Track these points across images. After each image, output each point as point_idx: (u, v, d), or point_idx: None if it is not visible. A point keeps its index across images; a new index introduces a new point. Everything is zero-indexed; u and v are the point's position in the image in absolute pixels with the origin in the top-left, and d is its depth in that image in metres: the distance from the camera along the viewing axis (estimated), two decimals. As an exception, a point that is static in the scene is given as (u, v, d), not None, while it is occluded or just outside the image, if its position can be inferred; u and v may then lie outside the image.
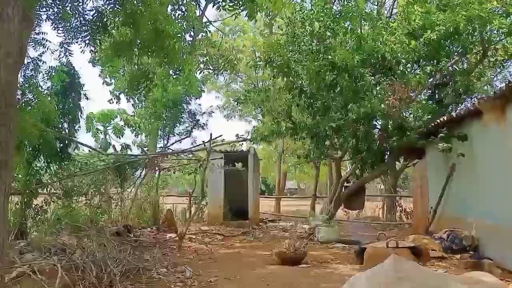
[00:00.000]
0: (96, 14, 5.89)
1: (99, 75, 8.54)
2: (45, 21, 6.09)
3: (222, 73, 13.88)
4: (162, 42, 5.93)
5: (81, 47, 6.34)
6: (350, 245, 8.22)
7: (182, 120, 12.78)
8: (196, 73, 12.10)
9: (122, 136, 13.64)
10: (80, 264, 4.75)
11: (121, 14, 5.81)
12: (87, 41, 6.16)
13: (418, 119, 8.97)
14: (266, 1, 6.25)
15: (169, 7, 6.31)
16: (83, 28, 6.01)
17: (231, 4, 5.77)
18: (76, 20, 5.98)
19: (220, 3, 5.90)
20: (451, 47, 9.46)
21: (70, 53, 6.57)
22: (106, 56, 6.74)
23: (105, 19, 5.86)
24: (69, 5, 5.86)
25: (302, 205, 19.53)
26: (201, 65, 12.56)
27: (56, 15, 5.88)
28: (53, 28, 6.05)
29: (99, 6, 5.91)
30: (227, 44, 16.12)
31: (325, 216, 9.80)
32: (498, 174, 6.26)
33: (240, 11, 5.81)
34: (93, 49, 6.49)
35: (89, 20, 5.95)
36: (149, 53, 6.58)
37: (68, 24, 6.00)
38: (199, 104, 13.29)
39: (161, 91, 10.83)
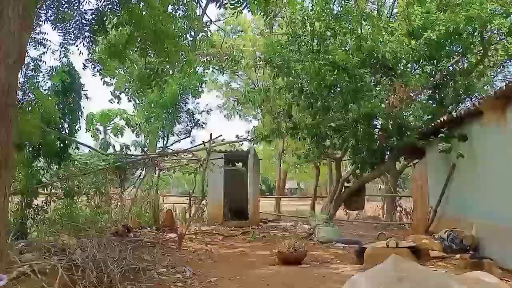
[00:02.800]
0: (96, 14, 5.88)
1: (93, 75, 8.50)
2: (45, 22, 6.09)
3: (224, 72, 13.92)
4: (162, 42, 5.93)
5: (78, 49, 6.35)
6: (350, 245, 8.22)
7: (181, 119, 12.79)
8: (195, 73, 12.11)
9: (122, 136, 13.66)
10: (80, 264, 4.75)
11: (121, 14, 5.81)
12: (87, 41, 6.16)
13: (418, 119, 8.98)
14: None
15: (170, 7, 6.31)
16: (84, 28, 6.01)
17: (232, 1, 5.76)
18: (76, 21, 5.98)
19: (221, 1, 5.90)
20: (451, 47, 9.47)
21: (67, 54, 6.57)
22: (100, 58, 6.74)
23: (105, 19, 5.85)
24: (69, 5, 5.86)
25: (302, 205, 19.53)
26: (202, 65, 12.60)
27: (56, 15, 5.87)
28: (53, 28, 6.05)
29: (98, 7, 5.90)
30: (227, 44, 16.14)
31: (325, 216, 9.80)
32: (498, 174, 6.26)
33: (242, 8, 5.78)
34: (93, 49, 6.48)
35: (90, 20, 5.95)
36: (149, 53, 6.57)
37: (69, 24, 6.00)
38: (197, 103, 13.36)
39: (157, 92, 10.82)
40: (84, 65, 6.88)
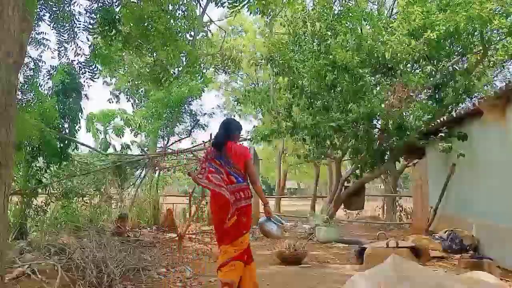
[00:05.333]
0: (104, 13, 5.87)
1: (81, 75, 8.55)
2: (43, 22, 6.09)
3: (225, 72, 13.99)
4: (161, 42, 5.92)
5: (74, 50, 6.36)
6: (350, 245, 8.22)
7: (183, 120, 12.80)
8: (199, 73, 12.12)
9: (122, 136, 13.67)
10: (80, 264, 4.75)
11: (124, 13, 5.80)
12: (96, 37, 6.16)
13: (418, 119, 8.97)
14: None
15: (170, 7, 6.30)
16: (90, 26, 6.01)
17: (230, 1, 5.76)
18: (75, 21, 5.99)
19: (220, 0, 5.89)
20: (451, 47, 9.46)
21: (66, 54, 6.58)
22: (88, 60, 6.75)
23: (113, 16, 5.83)
24: (68, 4, 5.86)
25: (302, 205, 19.52)
26: (202, 65, 12.64)
27: (54, 14, 5.87)
28: (52, 28, 6.06)
29: (105, 6, 5.90)
30: (228, 44, 16.15)
31: (325, 216, 9.79)
32: (498, 174, 6.26)
33: (240, 8, 5.78)
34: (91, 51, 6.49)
35: (97, 18, 5.94)
36: (151, 53, 6.58)
37: (68, 24, 6.00)
38: (201, 105, 13.53)
39: (163, 91, 10.84)
40: (72, 62, 6.88)
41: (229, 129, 4.22)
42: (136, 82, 13.35)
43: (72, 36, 6.11)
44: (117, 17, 5.83)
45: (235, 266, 3.99)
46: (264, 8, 5.41)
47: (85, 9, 5.98)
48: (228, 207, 3.90)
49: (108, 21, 5.79)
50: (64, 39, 6.21)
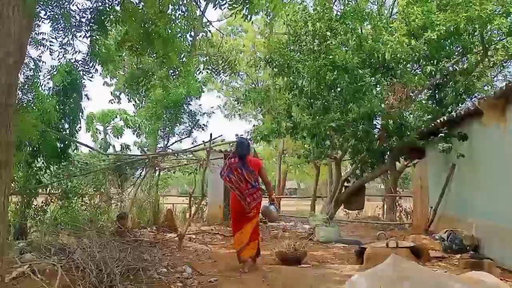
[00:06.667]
0: (96, 13, 5.86)
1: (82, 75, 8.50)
2: (44, 22, 6.08)
3: (221, 74, 14.04)
4: (158, 43, 5.90)
5: (69, 50, 6.36)
6: (350, 245, 8.22)
7: (182, 120, 12.83)
8: (196, 74, 12.15)
9: (121, 136, 13.70)
10: (80, 264, 4.75)
11: (119, 13, 5.78)
12: (88, 38, 6.15)
13: (418, 119, 8.98)
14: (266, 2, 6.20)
15: (170, 7, 6.27)
16: (83, 26, 5.99)
17: (230, 2, 5.74)
18: (74, 19, 5.97)
19: (219, 2, 5.87)
20: (451, 47, 9.47)
21: (65, 55, 6.57)
22: (84, 59, 6.75)
23: (103, 17, 5.83)
24: (68, 4, 5.84)
25: (302, 205, 19.52)
26: (201, 66, 12.65)
27: (53, 13, 5.86)
28: (52, 29, 6.05)
29: (97, 7, 5.88)
30: (227, 44, 16.16)
31: (325, 216, 9.80)
32: (498, 174, 6.26)
33: (238, 10, 5.76)
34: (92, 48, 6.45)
35: (89, 18, 5.92)
36: (147, 54, 6.55)
37: (68, 24, 5.98)
38: (200, 105, 13.55)
39: (162, 92, 10.86)
40: (70, 61, 6.87)
41: (248, 146, 5.96)
42: (127, 83, 13.37)
43: (70, 34, 6.09)
44: (110, 17, 5.82)
45: (250, 246, 5.78)
46: (253, 11, 5.40)
47: (78, 8, 5.96)
48: (241, 204, 5.70)
49: (99, 21, 5.78)
50: (58, 37, 6.19)
